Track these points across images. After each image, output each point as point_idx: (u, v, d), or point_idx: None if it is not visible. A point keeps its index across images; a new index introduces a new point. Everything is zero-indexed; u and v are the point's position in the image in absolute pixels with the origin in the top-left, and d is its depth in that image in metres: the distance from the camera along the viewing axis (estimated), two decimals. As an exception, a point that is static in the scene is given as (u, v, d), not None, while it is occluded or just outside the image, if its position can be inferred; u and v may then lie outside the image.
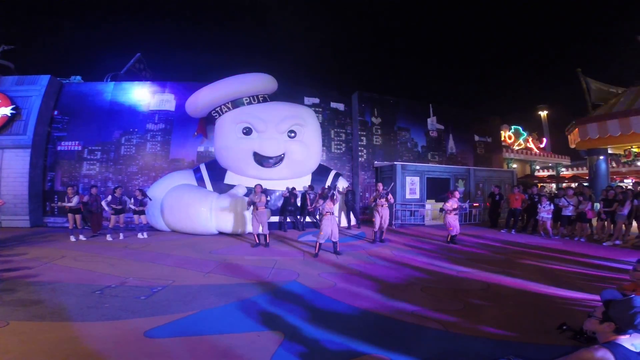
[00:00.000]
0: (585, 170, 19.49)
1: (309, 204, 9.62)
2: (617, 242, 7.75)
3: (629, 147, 13.32)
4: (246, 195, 9.10)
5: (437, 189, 11.79)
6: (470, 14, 50.08)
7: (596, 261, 6.11)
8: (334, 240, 6.57)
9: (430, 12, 50.07)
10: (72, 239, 7.74)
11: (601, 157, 12.46)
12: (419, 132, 13.91)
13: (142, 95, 11.28)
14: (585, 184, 12.38)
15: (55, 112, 10.86)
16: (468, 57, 54.66)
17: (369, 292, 4.36)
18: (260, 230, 7.26)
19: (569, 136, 13.74)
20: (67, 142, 10.79)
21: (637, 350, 1.54)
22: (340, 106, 12.73)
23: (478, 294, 4.33)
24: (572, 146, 13.80)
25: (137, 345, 2.86)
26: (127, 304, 3.83)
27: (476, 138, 15.32)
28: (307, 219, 10.21)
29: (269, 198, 8.63)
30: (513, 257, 6.48)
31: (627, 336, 1.55)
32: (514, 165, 21.98)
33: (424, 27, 52.50)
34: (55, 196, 10.35)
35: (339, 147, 12.51)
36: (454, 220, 7.84)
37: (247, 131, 9.51)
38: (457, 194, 8.25)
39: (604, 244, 7.82)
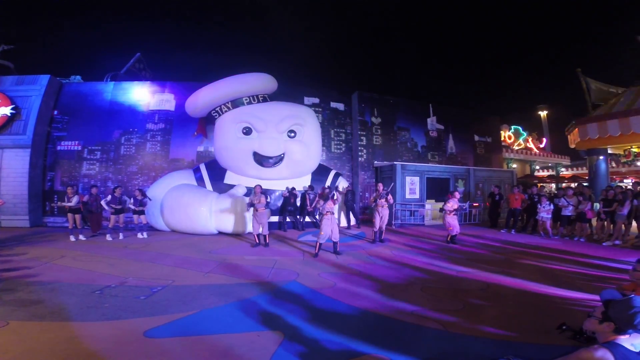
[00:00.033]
0: (585, 170, 19.50)
1: (308, 204, 9.63)
2: (617, 242, 7.75)
3: (629, 147, 13.33)
4: (246, 195, 9.10)
5: (437, 189, 11.80)
6: (470, 13, 50.11)
7: (596, 261, 6.11)
8: (334, 240, 6.57)
9: (430, 12, 50.10)
10: (72, 238, 7.74)
11: (601, 157, 12.47)
12: (419, 132, 13.91)
13: (141, 95, 11.28)
14: (585, 184, 12.38)
15: (55, 112, 10.85)
16: (468, 57, 54.71)
17: (368, 292, 4.36)
18: (260, 231, 7.27)
19: (568, 136, 13.75)
20: (66, 141, 10.79)
21: (637, 350, 1.54)
22: (340, 106, 12.73)
23: (478, 294, 4.33)
24: (572, 146, 13.81)
25: (136, 345, 2.86)
26: (127, 303, 3.83)
27: (476, 138, 15.32)
28: (307, 219, 10.21)
29: (269, 199, 8.63)
30: (513, 257, 6.49)
31: (627, 336, 1.56)
32: (514, 165, 21.99)
33: (423, 27, 52.52)
34: (55, 196, 10.35)
35: (338, 147, 12.51)
36: (453, 220, 7.85)
37: (247, 131, 9.51)
38: (457, 195, 8.26)
39: (604, 244, 7.82)
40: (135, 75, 13.92)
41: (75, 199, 7.85)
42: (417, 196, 11.60)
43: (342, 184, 10.84)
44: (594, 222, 8.82)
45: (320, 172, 10.75)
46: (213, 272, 5.28)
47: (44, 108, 10.44)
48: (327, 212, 6.44)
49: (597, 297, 1.83)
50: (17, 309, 3.59)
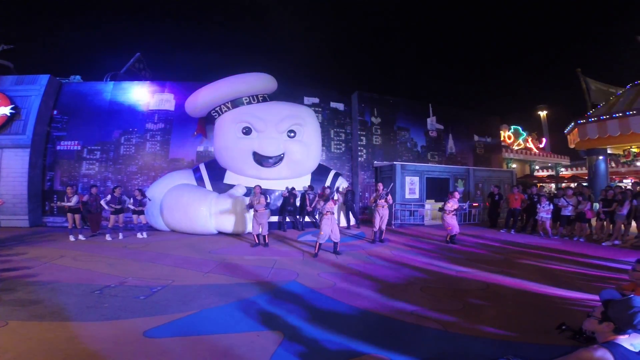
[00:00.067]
0: (584, 171, 19.51)
1: (308, 204, 9.63)
2: (616, 242, 7.76)
3: (628, 147, 13.32)
4: (246, 195, 9.10)
5: (436, 189, 11.81)
6: (470, 13, 50.13)
7: (595, 261, 6.12)
8: (335, 240, 6.57)
9: (430, 12, 50.12)
10: (72, 238, 7.74)
11: (600, 157, 12.48)
12: (419, 132, 13.91)
13: (141, 94, 11.27)
14: (584, 184, 12.39)
15: (55, 112, 10.84)
16: (468, 57, 54.72)
17: (368, 292, 4.36)
18: (259, 231, 7.27)
19: (568, 136, 13.75)
20: (66, 141, 10.78)
21: (636, 350, 1.54)
22: (340, 106, 12.73)
23: (477, 294, 4.33)
24: (572, 146, 13.82)
25: (136, 345, 2.86)
26: (127, 303, 3.82)
27: (476, 138, 15.31)
28: (307, 218, 10.21)
29: (268, 199, 8.64)
30: (512, 257, 6.49)
31: (626, 336, 1.56)
32: (514, 165, 22.00)
33: (423, 27, 52.53)
34: (55, 196, 10.34)
35: (338, 147, 12.51)
36: (452, 220, 7.85)
37: (247, 131, 9.51)
38: (457, 195, 8.26)
39: (603, 244, 7.83)
40: (135, 75, 13.91)
41: (74, 199, 7.85)
42: (416, 196, 11.60)
43: (342, 184, 10.84)
44: (593, 222, 8.83)
45: (320, 172, 10.74)
46: (213, 272, 5.28)
47: (43, 108, 10.43)
48: (327, 212, 6.44)
49: (597, 297, 1.83)
50: (16, 309, 3.59)
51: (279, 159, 9.67)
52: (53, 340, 2.91)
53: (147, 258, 6.09)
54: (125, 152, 10.86)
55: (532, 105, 31.97)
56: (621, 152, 14.28)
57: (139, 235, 8.27)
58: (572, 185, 15.40)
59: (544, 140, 25.63)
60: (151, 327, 3.19)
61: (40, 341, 2.88)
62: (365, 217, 11.60)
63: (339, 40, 51.06)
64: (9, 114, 10.06)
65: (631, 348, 1.54)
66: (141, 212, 8.44)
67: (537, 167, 25.15)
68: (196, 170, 9.99)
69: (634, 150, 13.43)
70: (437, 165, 13.10)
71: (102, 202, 8.18)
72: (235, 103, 9.90)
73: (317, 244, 6.48)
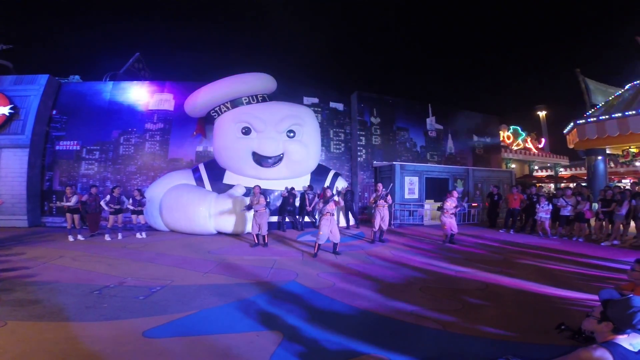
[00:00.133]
0: (583, 171, 19.52)
1: (307, 204, 9.63)
2: (615, 242, 7.77)
3: (627, 148, 13.34)
4: (245, 195, 9.10)
5: (436, 189, 11.81)
6: (470, 13, 50.19)
7: (594, 261, 6.13)
8: (334, 241, 6.56)
9: (430, 12, 50.16)
10: (71, 238, 7.72)
11: (599, 158, 12.49)
12: (418, 132, 13.92)
13: (140, 94, 11.26)
14: (583, 184, 12.39)
15: (54, 112, 10.82)
16: (467, 57, 54.79)
17: (367, 292, 4.36)
18: (259, 231, 7.27)
19: (567, 136, 13.76)
20: (65, 141, 10.76)
21: (635, 350, 1.55)
22: (340, 106, 12.73)
23: (476, 294, 4.34)
24: (571, 146, 13.83)
25: (135, 345, 2.86)
26: (126, 304, 3.82)
27: (475, 138, 15.34)
28: (306, 219, 10.21)
29: (268, 199, 8.64)
30: (511, 257, 6.50)
31: (625, 336, 1.56)
32: (513, 166, 22.03)
33: (423, 27, 52.56)
34: (54, 196, 10.32)
35: (338, 147, 12.52)
36: (448, 219, 7.82)
37: (246, 131, 9.50)
38: (455, 194, 8.26)
39: (602, 244, 7.84)
40: (134, 75, 13.90)
41: (74, 199, 7.83)
42: (416, 196, 11.61)
43: (341, 184, 10.85)
44: (592, 222, 8.85)
45: (319, 172, 10.74)
46: (212, 272, 5.27)
47: (42, 108, 10.41)
48: (327, 213, 6.44)
49: (596, 297, 1.84)
50: (15, 309, 3.58)
51: (278, 159, 9.67)
52: (52, 340, 2.90)
53: (146, 258, 6.08)
54: (124, 152, 10.85)
55: (531, 106, 31.99)
56: (620, 153, 14.30)
57: (138, 235, 8.26)
58: (571, 185, 15.43)
59: (543, 140, 25.66)
60: (150, 327, 3.18)
61: (39, 341, 2.88)
62: (365, 217, 11.60)
63: (338, 40, 51.10)
64: (7, 114, 10.03)
65: (630, 348, 1.54)
66: (140, 212, 8.43)
67: (536, 167, 25.18)
68: (195, 171, 9.98)
69: (633, 150, 13.44)
70: (436, 165, 13.12)
71: (102, 203, 8.17)
72: (235, 103, 9.89)
73: (317, 244, 6.48)
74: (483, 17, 50.48)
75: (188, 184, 9.39)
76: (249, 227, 8.31)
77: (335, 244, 6.60)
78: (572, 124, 12.88)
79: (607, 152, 13.11)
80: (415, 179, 11.67)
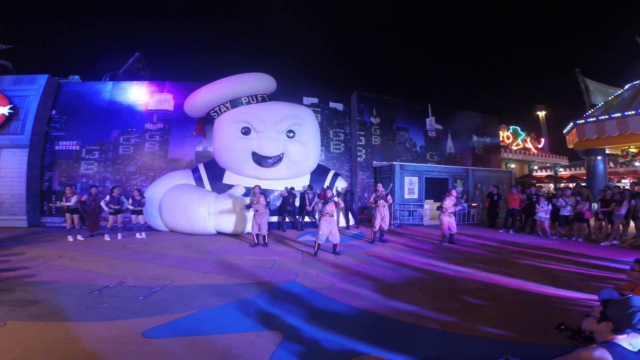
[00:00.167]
0: (583, 171, 19.53)
1: (307, 204, 9.63)
2: (615, 242, 7.78)
3: (627, 148, 13.35)
4: (245, 195, 9.10)
5: (435, 189, 11.82)
6: (469, 13, 50.21)
7: (594, 261, 6.13)
8: (334, 242, 6.56)
9: (430, 12, 50.17)
10: (70, 239, 7.71)
11: (599, 158, 12.50)
12: (418, 132, 13.92)
13: (140, 94, 11.25)
14: (583, 184, 12.40)
15: (53, 112, 10.81)
16: (467, 57, 54.81)
17: (367, 292, 4.36)
18: (258, 231, 7.26)
19: (567, 136, 13.78)
20: (65, 141, 10.75)
21: (635, 350, 1.55)
22: (339, 106, 12.73)
23: (476, 294, 4.34)
24: (570, 146, 13.84)
25: (135, 346, 2.85)
26: (126, 304, 3.81)
27: (474, 138, 15.34)
28: (306, 219, 10.21)
29: (268, 199, 8.63)
30: (511, 257, 6.50)
31: (625, 335, 1.56)
32: (512, 166, 22.05)
33: (422, 27, 52.60)
34: (53, 196, 10.31)
35: (337, 147, 12.52)
36: (447, 218, 7.82)
37: (246, 131, 9.50)
38: (454, 193, 8.25)
39: (602, 244, 7.85)
40: (133, 75, 13.89)
41: (73, 199, 7.82)
42: (415, 196, 11.62)
43: (341, 184, 10.85)
44: (592, 222, 8.85)
45: (319, 172, 10.75)
46: (212, 272, 5.27)
47: (42, 108, 10.40)
48: (327, 213, 6.44)
49: (596, 297, 1.84)
50: (14, 309, 3.58)
51: (278, 159, 9.67)
52: (52, 340, 2.90)
53: (146, 258, 6.08)
54: (124, 152, 10.84)
55: (530, 106, 32.01)
56: (619, 153, 14.31)
57: (137, 235, 8.26)
58: (571, 185, 15.44)
59: (542, 140, 25.68)
60: (150, 327, 3.18)
61: (39, 341, 2.87)
62: (364, 217, 11.61)
63: (338, 40, 51.11)
64: (7, 114, 10.03)
65: (630, 347, 1.54)
66: (140, 212, 8.42)
67: (535, 167, 25.20)
68: (195, 171, 9.97)
69: (632, 150, 13.45)
70: (436, 165, 13.12)
71: (102, 204, 8.16)
72: (235, 103, 9.89)
73: (316, 244, 6.48)
74: (483, 17, 50.53)
75: (188, 184, 9.39)
76: (248, 227, 8.31)
77: (334, 245, 6.60)
78: (571, 124, 12.89)
79: (607, 152, 13.12)
80: (415, 179, 11.67)
